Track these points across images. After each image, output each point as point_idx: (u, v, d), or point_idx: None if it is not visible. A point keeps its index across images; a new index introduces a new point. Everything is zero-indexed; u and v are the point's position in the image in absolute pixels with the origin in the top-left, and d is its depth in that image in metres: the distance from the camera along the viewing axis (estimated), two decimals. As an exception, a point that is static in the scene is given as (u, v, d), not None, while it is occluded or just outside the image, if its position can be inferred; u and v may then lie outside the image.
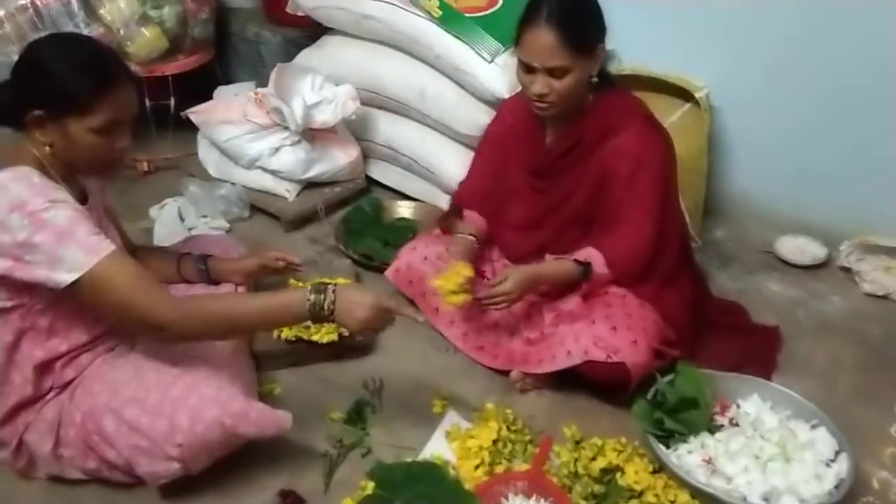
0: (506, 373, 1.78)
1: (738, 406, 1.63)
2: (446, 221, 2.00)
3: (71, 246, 1.26)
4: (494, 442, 1.53)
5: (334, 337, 1.76)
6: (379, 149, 2.61)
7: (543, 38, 1.58)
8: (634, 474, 1.46)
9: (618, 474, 1.48)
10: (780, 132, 2.36)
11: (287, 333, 1.74)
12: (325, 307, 1.36)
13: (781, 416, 1.60)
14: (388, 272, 1.97)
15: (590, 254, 1.73)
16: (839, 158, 2.29)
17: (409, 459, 1.52)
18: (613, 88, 1.77)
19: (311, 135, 2.44)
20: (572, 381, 1.73)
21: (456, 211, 1.96)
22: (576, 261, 1.72)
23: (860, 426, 1.67)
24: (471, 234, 1.88)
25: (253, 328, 1.38)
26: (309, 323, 1.75)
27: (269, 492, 1.46)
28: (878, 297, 2.17)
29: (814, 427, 1.56)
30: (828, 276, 2.26)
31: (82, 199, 1.41)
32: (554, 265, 1.75)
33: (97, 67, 1.31)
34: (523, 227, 1.89)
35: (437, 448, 1.56)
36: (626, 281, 1.73)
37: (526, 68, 1.65)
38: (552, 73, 1.61)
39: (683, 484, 1.44)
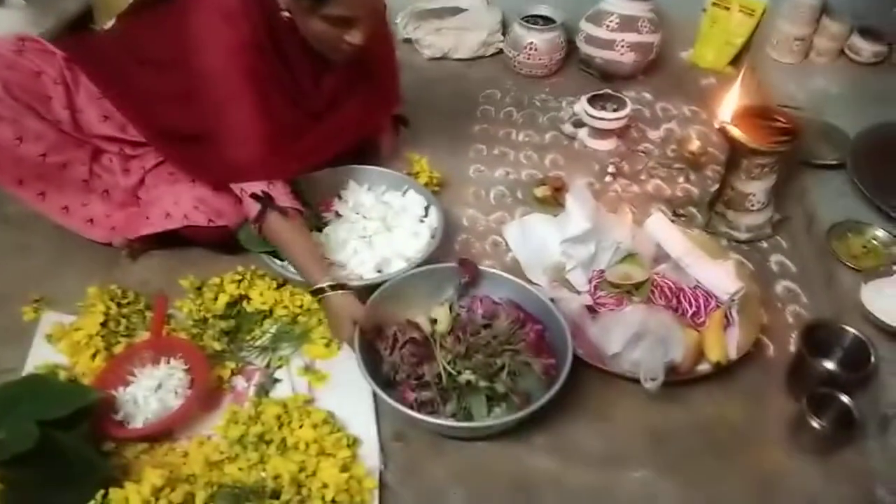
0: (107, 247, 1.60)
1: (339, 198, 1.68)
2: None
3: None
4: (104, 325, 1.39)
5: None
6: None
7: None
8: (260, 296, 1.46)
9: (244, 303, 1.46)
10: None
11: None
12: None
13: (377, 193, 1.70)
14: None
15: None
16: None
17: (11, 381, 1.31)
18: None
19: None
20: (179, 238, 1.61)
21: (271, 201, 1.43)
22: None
23: (445, 177, 1.85)
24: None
25: None
26: None
27: None
28: (437, 59, 2.36)
29: (404, 193, 1.69)
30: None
31: None
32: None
33: None
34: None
35: (42, 356, 1.37)
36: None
37: (341, 22, 1.39)
38: None
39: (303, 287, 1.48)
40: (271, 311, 1.46)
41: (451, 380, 1.29)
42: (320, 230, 1.61)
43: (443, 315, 1.38)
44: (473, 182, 1.90)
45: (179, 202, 1.52)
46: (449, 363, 1.30)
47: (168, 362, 1.32)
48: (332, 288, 1.35)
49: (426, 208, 1.66)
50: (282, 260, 1.49)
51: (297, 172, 1.54)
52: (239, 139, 1.42)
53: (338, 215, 1.66)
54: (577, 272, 1.49)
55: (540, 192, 1.81)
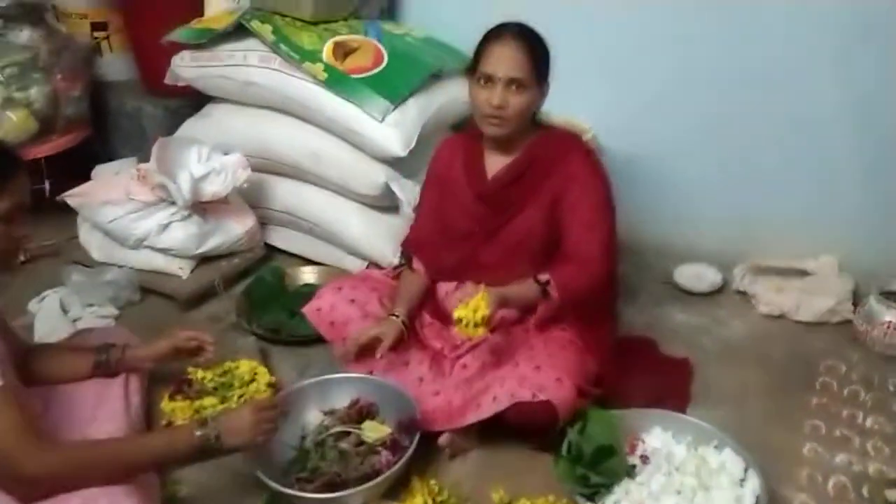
0: (430, 441, 1.70)
1: (643, 442, 1.64)
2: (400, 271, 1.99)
3: None
4: (421, 518, 1.47)
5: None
6: (277, 215, 2.53)
7: (510, 49, 1.68)
8: (566, 532, 1.43)
9: (549, 535, 1.45)
10: (666, 166, 2.45)
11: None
12: (213, 438, 1.37)
13: (685, 443, 1.63)
14: (308, 309, 1.85)
15: (546, 276, 1.72)
16: (727, 188, 2.40)
17: (332, 550, 1.43)
18: (553, 128, 1.86)
19: (202, 207, 2.34)
20: (498, 437, 1.69)
21: (408, 259, 1.95)
22: (536, 280, 1.71)
23: (774, 450, 1.71)
24: (402, 318, 1.78)
25: (137, 473, 1.35)
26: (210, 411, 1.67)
27: None
28: (774, 317, 2.26)
29: (717, 448, 1.60)
30: (726, 301, 2.35)
31: None
32: (517, 286, 1.72)
33: None
34: (466, 249, 1.86)
35: (363, 533, 1.48)
36: (571, 308, 1.73)
37: (485, 81, 1.68)
38: (511, 85, 1.67)
39: (618, 537, 1.42)
40: (574, 552, 1.42)
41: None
42: (630, 476, 1.56)
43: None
44: (807, 463, 1.71)
45: (505, 384, 1.61)
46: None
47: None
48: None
49: (745, 470, 1.54)
50: (596, 501, 1.47)
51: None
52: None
53: (643, 460, 1.60)
54: None
55: (894, 496, 1.57)
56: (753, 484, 1.51)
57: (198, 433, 1.37)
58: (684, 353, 2.07)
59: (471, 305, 1.59)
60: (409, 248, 1.96)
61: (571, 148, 1.81)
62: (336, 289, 1.87)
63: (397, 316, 1.78)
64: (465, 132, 1.91)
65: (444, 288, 1.92)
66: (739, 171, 2.37)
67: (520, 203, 1.80)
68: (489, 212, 1.83)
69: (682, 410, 1.79)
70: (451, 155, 1.90)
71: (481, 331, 1.59)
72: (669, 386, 1.93)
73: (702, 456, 1.59)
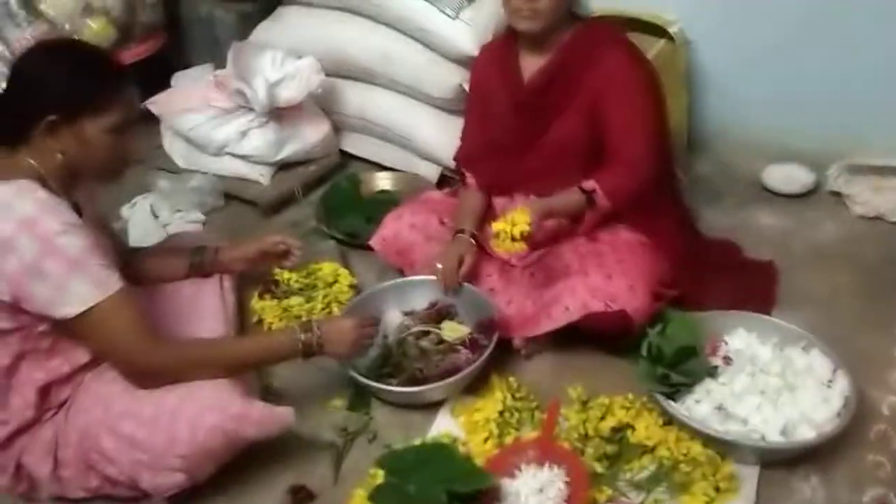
0: (507, 342, 1.73)
1: (725, 343, 1.61)
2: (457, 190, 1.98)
3: (80, 279, 1.24)
4: (501, 413, 1.51)
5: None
6: (350, 121, 2.52)
7: None
8: (645, 430, 1.45)
9: (628, 431, 1.46)
10: (756, 60, 2.29)
11: (278, 325, 1.70)
12: (315, 344, 1.42)
13: (770, 345, 1.59)
14: (374, 241, 1.89)
15: (591, 185, 1.69)
16: (820, 81, 2.23)
17: (417, 441, 1.49)
18: (590, 22, 1.78)
19: (278, 114, 2.35)
20: (574, 339, 1.70)
21: (461, 175, 1.93)
22: (580, 189, 1.68)
23: (864, 352, 1.66)
24: (471, 234, 1.77)
25: (242, 372, 1.45)
26: (301, 310, 1.75)
27: (278, 489, 1.44)
28: (869, 218, 2.15)
29: (805, 349, 1.56)
30: (818, 202, 2.23)
31: (77, 212, 1.36)
32: (562, 196, 1.70)
33: (106, 66, 1.32)
34: (510, 160, 1.83)
35: (445, 425, 1.54)
36: (623, 209, 1.71)
37: None
38: None
39: (698, 434, 1.42)
40: (653, 449, 1.43)
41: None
42: (712, 376, 1.54)
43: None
44: (901, 366, 1.66)
45: (576, 293, 1.60)
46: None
47: (552, 469, 1.37)
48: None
49: (833, 371, 1.51)
50: (676, 400, 1.47)
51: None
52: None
53: (726, 362, 1.58)
54: None
55: None
56: (842, 385, 1.48)
57: (302, 337, 1.42)
58: (771, 257, 1.99)
59: (509, 219, 1.56)
60: (461, 163, 1.94)
61: (609, 42, 1.72)
62: (397, 216, 1.89)
63: (464, 232, 1.77)
64: (499, 37, 1.84)
65: (499, 202, 1.89)
66: (838, 64, 2.19)
67: (558, 106, 1.74)
68: (529, 118, 1.77)
69: (767, 314, 1.74)
70: (487, 63, 1.86)
71: (519, 246, 1.57)
72: (753, 288, 1.87)
73: (788, 357, 1.56)
